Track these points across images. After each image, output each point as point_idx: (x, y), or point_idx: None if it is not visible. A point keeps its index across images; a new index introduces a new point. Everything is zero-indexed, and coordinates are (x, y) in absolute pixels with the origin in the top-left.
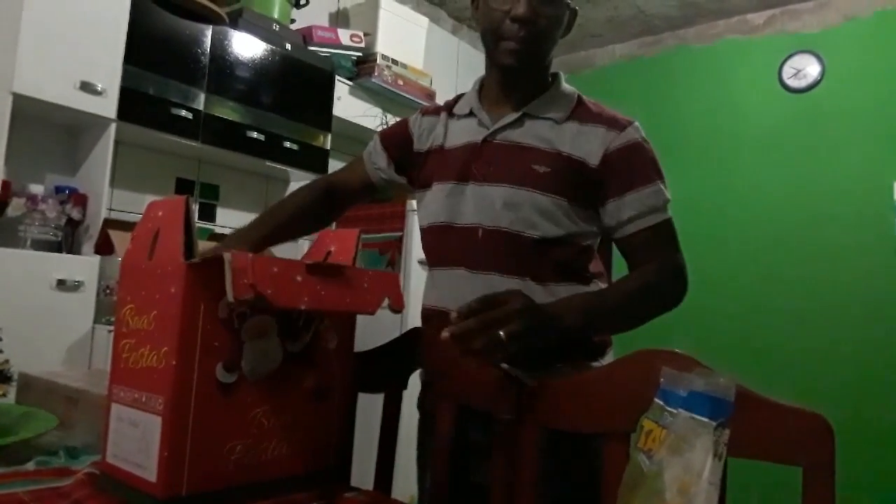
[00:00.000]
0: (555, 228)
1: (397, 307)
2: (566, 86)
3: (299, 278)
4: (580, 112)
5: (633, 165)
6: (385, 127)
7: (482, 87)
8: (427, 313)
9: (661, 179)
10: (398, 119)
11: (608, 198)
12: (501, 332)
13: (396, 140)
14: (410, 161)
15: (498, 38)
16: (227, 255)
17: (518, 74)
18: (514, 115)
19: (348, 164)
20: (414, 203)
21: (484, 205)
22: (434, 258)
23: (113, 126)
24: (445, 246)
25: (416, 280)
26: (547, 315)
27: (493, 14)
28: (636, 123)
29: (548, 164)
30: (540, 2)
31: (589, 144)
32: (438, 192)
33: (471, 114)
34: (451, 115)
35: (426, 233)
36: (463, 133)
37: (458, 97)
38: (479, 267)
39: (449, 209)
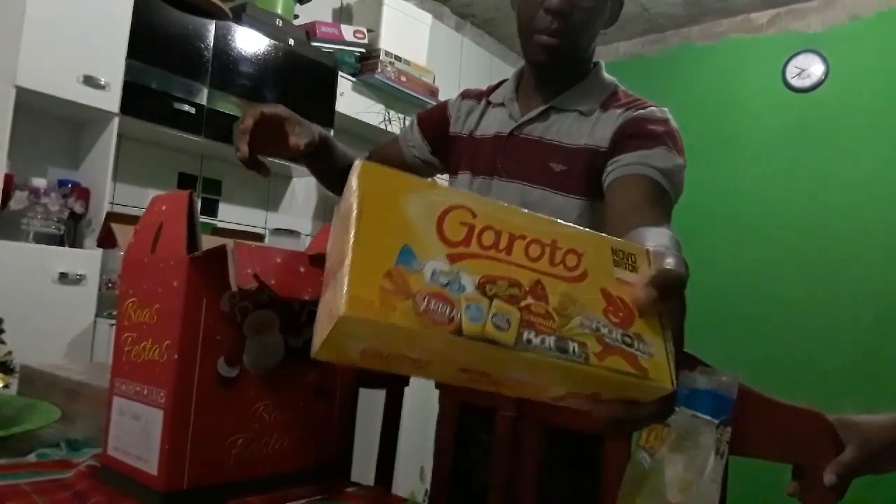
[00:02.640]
0: None
1: None
2: (606, 76)
3: (302, 269)
4: (609, 101)
5: (638, 131)
6: (401, 119)
7: (520, 76)
8: None
9: (670, 147)
10: (401, 115)
11: (600, 171)
12: None
13: (433, 120)
14: (446, 143)
15: (532, 31)
16: (229, 245)
17: (552, 69)
18: (540, 108)
19: (385, 142)
20: None
21: (504, 201)
22: None
23: (116, 120)
24: None
25: None
26: None
27: (528, 5)
28: (666, 109)
29: (564, 162)
30: None
31: (604, 130)
32: (467, 184)
33: (503, 104)
34: (488, 102)
35: None
36: (494, 123)
37: (501, 83)
38: None
39: None
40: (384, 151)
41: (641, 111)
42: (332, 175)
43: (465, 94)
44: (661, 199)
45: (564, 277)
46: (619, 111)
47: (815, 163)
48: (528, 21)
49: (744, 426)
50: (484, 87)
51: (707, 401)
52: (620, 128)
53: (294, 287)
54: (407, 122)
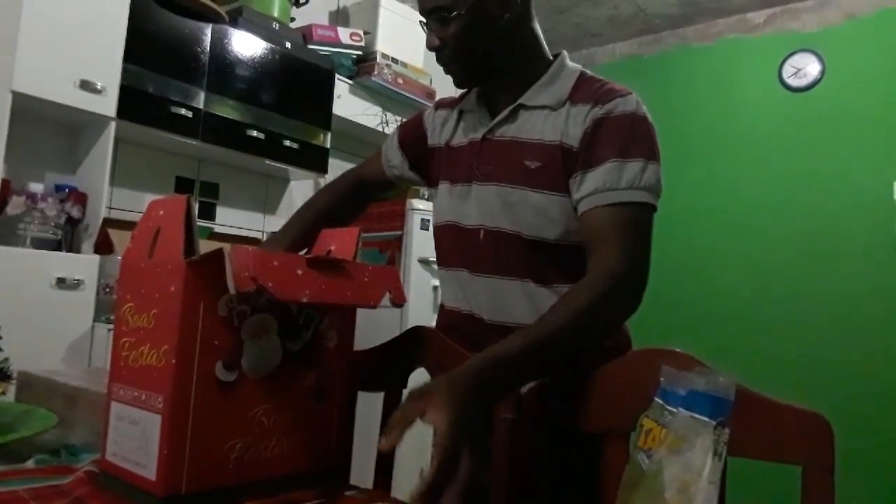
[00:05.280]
0: (552, 227)
1: (399, 301)
2: (569, 65)
3: (300, 272)
4: (577, 93)
5: (602, 136)
6: (398, 122)
7: None
8: (441, 310)
9: (635, 156)
10: (398, 118)
11: (571, 174)
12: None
13: (411, 136)
14: (425, 156)
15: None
16: (226, 249)
17: (484, 83)
18: (509, 108)
19: (371, 157)
20: (414, 202)
21: (485, 206)
22: (440, 258)
23: (112, 124)
24: (450, 247)
25: (416, 278)
26: (477, 414)
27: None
28: (631, 96)
29: (539, 159)
30: (439, 27)
31: (575, 127)
32: (446, 192)
33: (473, 110)
34: (461, 110)
35: (436, 231)
36: (467, 130)
37: (468, 91)
38: (480, 269)
39: (456, 210)
40: (368, 169)
41: (607, 106)
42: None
43: (439, 105)
44: (625, 221)
45: None
46: (586, 108)
47: (811, 162)
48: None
49: (742, 427)
50: (457, 96)
51: (705, 402)
52: (587, 129)
53: (292, 289)
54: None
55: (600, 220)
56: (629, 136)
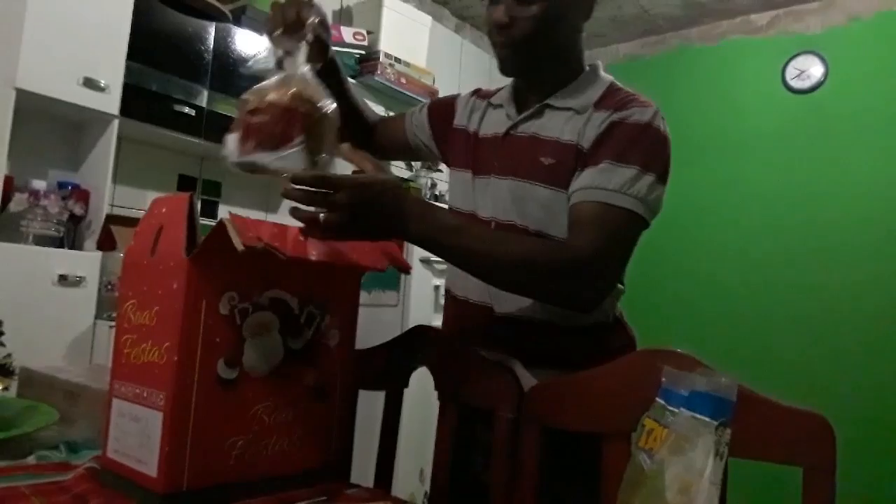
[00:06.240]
0: (557, 222)
1: (404, 267)
2: (602, 75)
3: (302, 238)
4: (602, 101)
5: (608, 139)
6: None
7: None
8: (450, 300)
9: (632, 163)
10: None
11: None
12: (321, 216)
13: (442, 110)
14: (448, 134)
15: (492, 45)
16: (226, 218)
17: (523, 75)
18: (535, 107)
19: (395, 115)
20: None
21: (499, 199)
22: None
23: (116, 122)
24: None
25: (417, 278)
26: (378, 218)
27: (486, 21)
28: (650, 108)
29: (554, 156)
30: (515, 4)
31: (592, 130)
32: (466, 182)
33: (502, 105)
34: (489, 103)
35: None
36: (493, 123)
37: (505, 86)
38: None
39: (474, 201)
40: (390, 124)
41: (623, 112)
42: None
43: (475, 92)
44: (602, 220)
45: None
46: (606, 114)
47: (814, 164)
48: (489, 36)
49: (743, 428)
50: (493, 90)
51: (707, 402)
52: (600, 132)
53: (299, 250)
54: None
55: (583, 213)
56: (632, 143)
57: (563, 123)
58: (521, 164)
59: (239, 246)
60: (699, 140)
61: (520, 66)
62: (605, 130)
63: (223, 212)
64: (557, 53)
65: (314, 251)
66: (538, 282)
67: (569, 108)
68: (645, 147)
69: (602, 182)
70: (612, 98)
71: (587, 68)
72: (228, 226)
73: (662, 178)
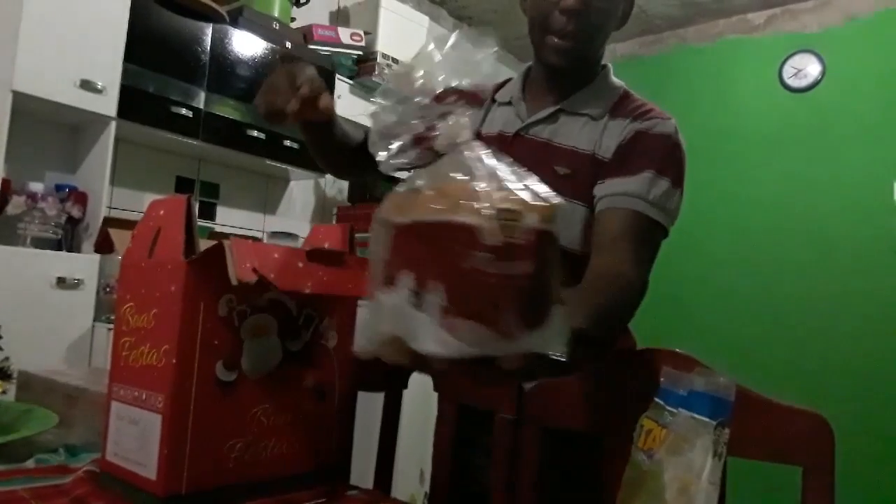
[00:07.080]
0: (569, 234)
1: None
2: (613, 79)
3: (300, 264)
4: (618, 108)
5: (640, 148)
6: None
7: (528, 75)
8: None
9: (668, 176)
10: None
11: (597, 182)
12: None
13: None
14: None
15: (545, 32)
16: (227, 242)
17: (563, 71)
18: (549, 110)
19: None
20: None
21: None
22: None
23: (113, 124)
24: None
25: None
26: None
27: (542, 4)
28: (671, 120)
29: (569, 166)
30: None
31: (610, 139)
32: None
33: (510, 103)
34: (493, 99)
35: None
36: (499, 122)
37: (506, 81)
38: None
39: None
40: None
41: (646, 123)
42: (328, 146)
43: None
44: (642, 232)
45: None
46: (625, 122)
47: (811, 163)
48: (542, 22)
49: (742, 428)
50: (492, 86)
51: (705, 402)
52: (623, 141)
53: (294, 280)
54: None
55: (620, 222)
56: (666, 156)
57: (577, 131)
58: (534, 171)
59: (234, 280)
60: (696, 139)
61: (577, 57)
62: (630, 140)
63: (221, 213)
64: (594, 53)
65: (309, 282)
66: (614, 329)
67: (584, 115)
68: (676, 161)
69: (642, 192)
70: (627, 106)
71: (601, 69)
72: (227, 254)
73: (683, 191)
